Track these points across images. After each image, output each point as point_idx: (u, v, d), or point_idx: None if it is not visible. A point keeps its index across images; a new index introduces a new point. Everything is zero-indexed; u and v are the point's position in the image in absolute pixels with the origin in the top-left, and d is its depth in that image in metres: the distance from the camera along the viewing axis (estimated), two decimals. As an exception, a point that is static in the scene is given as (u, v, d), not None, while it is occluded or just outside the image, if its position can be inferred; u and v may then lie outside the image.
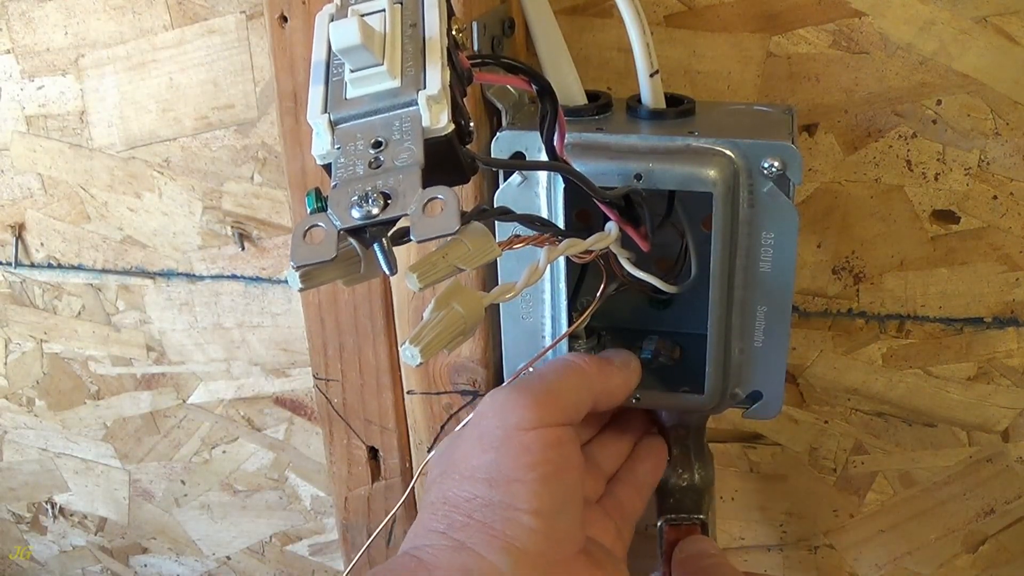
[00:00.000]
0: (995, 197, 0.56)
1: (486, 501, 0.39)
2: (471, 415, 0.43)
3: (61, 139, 0.67)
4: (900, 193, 0.57)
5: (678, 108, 0.49)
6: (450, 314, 0.34)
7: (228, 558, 0.84)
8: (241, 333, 0.72)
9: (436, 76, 0.33)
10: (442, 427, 0.57)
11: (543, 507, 0.39)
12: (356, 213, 0.30)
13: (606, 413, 0.52)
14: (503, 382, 0.54)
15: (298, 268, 0.33)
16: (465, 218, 0.32)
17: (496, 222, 0.47)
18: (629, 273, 0.48)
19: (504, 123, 0.49)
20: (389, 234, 0.32)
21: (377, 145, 0.32)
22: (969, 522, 0.66)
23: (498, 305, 0.52)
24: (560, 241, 0.41)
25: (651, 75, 0.48)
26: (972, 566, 0.68)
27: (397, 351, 0.56)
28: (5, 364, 0.78)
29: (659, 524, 0.54)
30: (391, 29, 0.34)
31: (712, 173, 0.44)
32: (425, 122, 0.32)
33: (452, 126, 0.32)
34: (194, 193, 0.67)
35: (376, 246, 0.31)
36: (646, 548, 0.53)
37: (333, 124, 0.33)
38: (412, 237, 0.30)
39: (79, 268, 0.72)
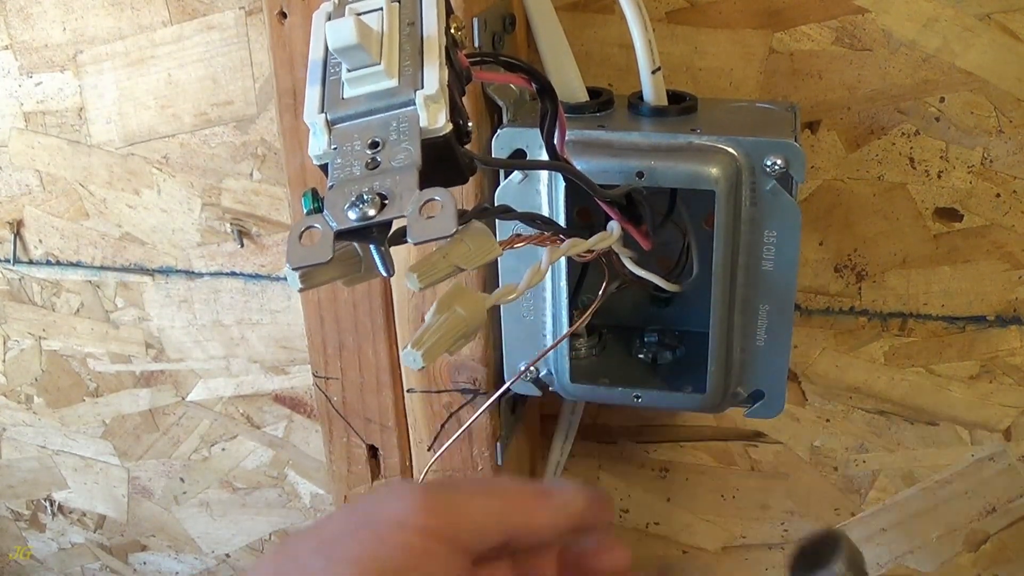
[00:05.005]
0: (998, 195, 0.55)
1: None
2: None
3: (59, 135, 0.67)
4: (903, 191, 0.56)
5: (680, 105, 0.49)
6: (452, 317, 0.34)
7: (227, 556, 0.84)
8: (240, 330, 0.72)
9: (434, 76, 0.32)
10: (442, 426, 0.57)
11: None
12: (352, 214, 0.30)
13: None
14: (504, 381, 0.54)
15: (295, 269, 0.32)
16: (466, 217, 0.32)
17: (497, 220, 0.47)
18: (631, 271, 0.48)
19: (505, 120, 0.49)
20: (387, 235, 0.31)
21: (374, 145, 0.32)
22: (971, 521, 0.66)
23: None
24: (562, 240, 0.41)
25: (653, 72, 0.48)
26: (974, 565, 0.68)
27: (397, 349, 0.55)
28: (3, 361, 0.78)
29: None
30: (388, 28, 0.34)
31: (715, 171, 0.44)
32: (423, 122, 0.32)
33: (450, 126, 0.32)
34: (193, 190, 0.66)
35: (373, 248, 0.31)
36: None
37: (330, 124, 0.33)
38: (409, 239, 0.29)
39: (78, 265, 0.72)
